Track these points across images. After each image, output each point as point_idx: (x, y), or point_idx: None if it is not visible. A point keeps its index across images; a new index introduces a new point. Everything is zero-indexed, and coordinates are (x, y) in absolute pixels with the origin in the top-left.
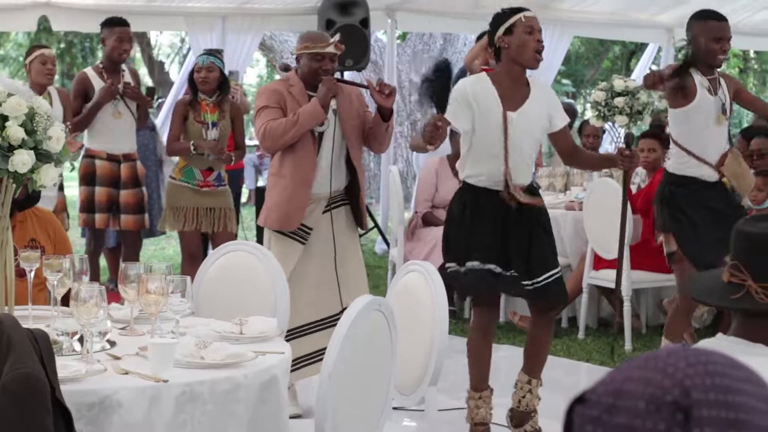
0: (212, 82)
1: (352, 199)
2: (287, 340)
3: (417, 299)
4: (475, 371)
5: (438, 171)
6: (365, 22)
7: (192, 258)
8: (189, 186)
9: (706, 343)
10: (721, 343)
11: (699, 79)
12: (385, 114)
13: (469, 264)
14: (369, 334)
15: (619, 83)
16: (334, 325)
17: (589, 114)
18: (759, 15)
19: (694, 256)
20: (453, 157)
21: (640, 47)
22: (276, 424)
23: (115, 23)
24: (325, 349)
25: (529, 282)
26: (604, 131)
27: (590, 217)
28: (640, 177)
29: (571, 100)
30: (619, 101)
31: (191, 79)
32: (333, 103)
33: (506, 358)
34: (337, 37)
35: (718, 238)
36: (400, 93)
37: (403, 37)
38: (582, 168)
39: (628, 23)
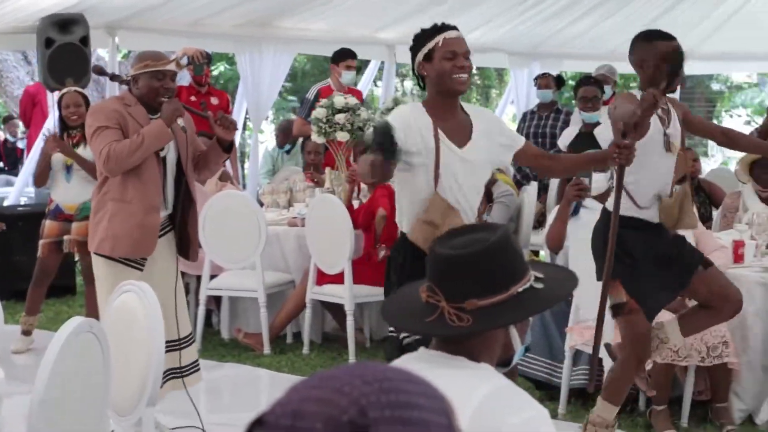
0: None
1: (175, 224)
2: None
3: (132, 319)
4: None
5: None
6: (85, 41)
7: None
8: None
9: (408, 358)
10: (422, 357)
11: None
12: (225, 146)
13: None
14: (80, 356)
15: (339, 100)
16: (174, 350)
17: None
18: (476, 32)
19: (643, 301)
20: None
21: (365, 63)
22: None
23: None
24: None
25: None
26: (326, 148)
27: (312, 233)
28: (362, 192)
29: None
30: (339, 118)
31: None
32: (180, 121)
33: (229, 377)
34: (179, 54)
35: (661, 285)
36: None
37: (126, 55)
38: (565, 174)
39: (350, 40)
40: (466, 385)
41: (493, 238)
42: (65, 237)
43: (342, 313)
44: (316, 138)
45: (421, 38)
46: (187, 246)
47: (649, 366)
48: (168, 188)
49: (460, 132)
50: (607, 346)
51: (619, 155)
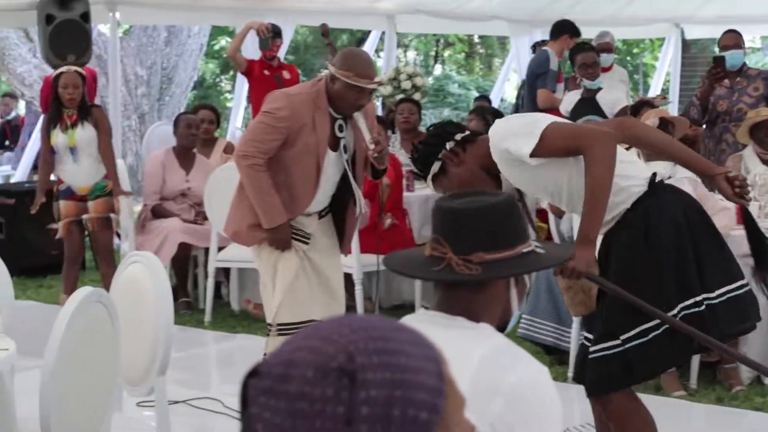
0: None
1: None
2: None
3: (140, 290)
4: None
5: (164, 163)
6: (86, 17)
7: None
8: None
9: (408, 319)
10: (422, 317)
11: None
12: (376, 173)
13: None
14: (90, 326)
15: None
16: None
17: None
18: (477, 1)
19: None
20: (179, 149)
21: (366, 34)
22: (2, 420)
23: None
24: None
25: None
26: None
27: None
28: None
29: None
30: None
31: None
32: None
33: (241, 348)
34: (382, 77)
35: None
36: (126, 86)
37: (127, 30)
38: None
39: (350, 11)
40: (465, 346)
41: (501, 197)
42: (84, 216)
43: (350, 283)
44: None
45: None
46: (341, 239)
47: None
48: (326, 185)
49: None
50: None
51: None
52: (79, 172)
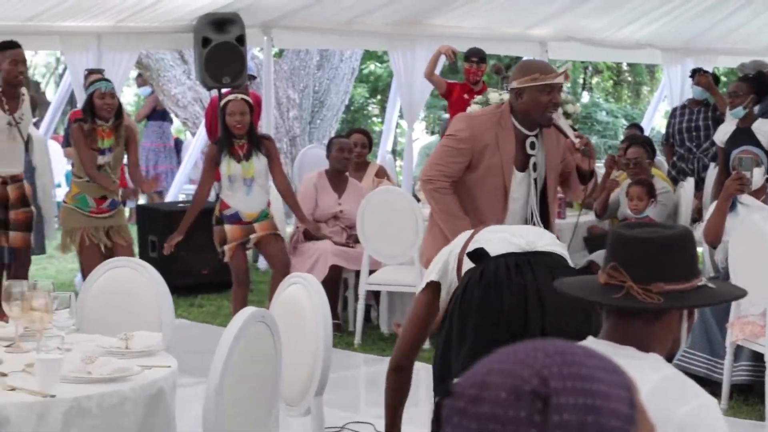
0: (115, 109)
1: None
2: None
3: (300, 311)
4: None
5: (317, 185)
6: (241, 40)
7: None
8: (81, 212)
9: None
10: (591, 346)
11: None
12: (582, 173)
13: None
14: (253, 345)
15: (494, 96)
16: None
17: None
18: (628, 29)
19: None
20: (332, 172)
21: (515, 60)
22: None
23: (6, 46)
24: None
25: None
26: None
27: None
28: None
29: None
30: None
31: (89, 105)
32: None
33: None
34: (568, 65)
35: None
36: (279, 109)
37: (280, 53)
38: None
39: (502, 37)
40: (636, 376)
41: (679, 230)
42: (252, 236)
43: None
44: None
45: None
46: None
47: None
48: (515, 205)
49: None
50: None
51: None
52: (250, 200)
